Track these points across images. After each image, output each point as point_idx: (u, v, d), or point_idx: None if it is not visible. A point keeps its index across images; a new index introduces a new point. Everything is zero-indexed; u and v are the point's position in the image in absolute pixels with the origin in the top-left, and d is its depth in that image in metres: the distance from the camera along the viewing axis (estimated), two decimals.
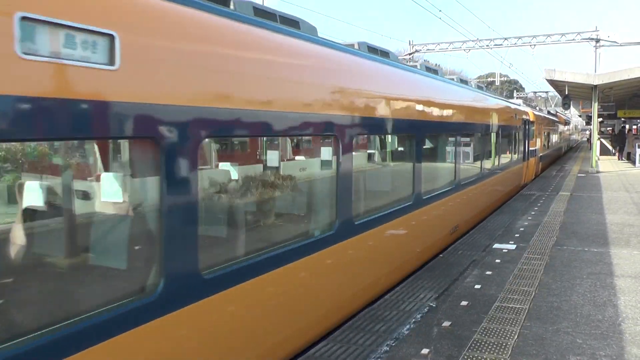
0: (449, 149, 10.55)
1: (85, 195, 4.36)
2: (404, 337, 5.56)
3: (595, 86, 23.58)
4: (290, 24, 5.46)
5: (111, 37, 3.15)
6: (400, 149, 9.43)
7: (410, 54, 35.01)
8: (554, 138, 34.80)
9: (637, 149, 28.47)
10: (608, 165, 28.75)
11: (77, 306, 3.39)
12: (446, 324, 5.92)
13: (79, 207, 4.27)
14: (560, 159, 36.94)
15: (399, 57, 9.21)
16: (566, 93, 28.49)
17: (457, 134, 10.64)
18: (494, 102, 14.74)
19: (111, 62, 3.16)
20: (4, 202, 4.54)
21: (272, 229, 5.71)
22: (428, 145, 9.28)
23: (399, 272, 7.74)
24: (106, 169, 4.37)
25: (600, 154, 30.75)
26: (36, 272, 3.93)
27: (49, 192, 4.13)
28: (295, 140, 7.80)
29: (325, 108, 5.54)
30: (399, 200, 7.86)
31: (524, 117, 19.75)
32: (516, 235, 10.64)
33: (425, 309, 6.40)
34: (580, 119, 67.60)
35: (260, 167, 6.75)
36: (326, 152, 6.25)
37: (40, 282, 3.86)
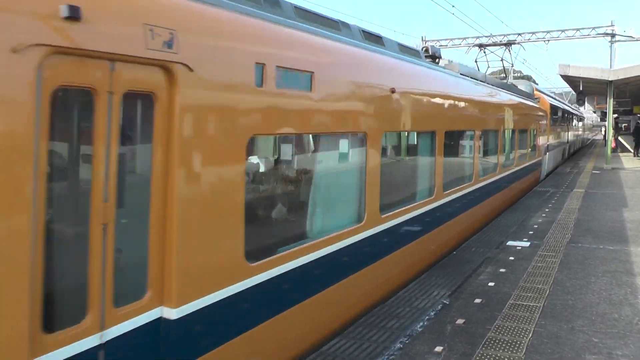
0: None
1: None
2: (418, 334, 5.55)
3: (611, 82, 23.31)
4: None
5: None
6: None
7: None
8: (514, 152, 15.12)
9: None
10: (624, 162, 28.42)
11: None
12: (460, 321, 5.90)
13: None
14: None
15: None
16: (580, 89, 28.21)
17: None
18: None
19: None
20: None
21: None
22: None
23: None
24: None
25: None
26: None
27: None
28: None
29: None
30: None
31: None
32: (530, 232, 10.57)
33: (439, 306, 6.38)
34: (595, 115, 66.79)
35: None
36: None
37: None
